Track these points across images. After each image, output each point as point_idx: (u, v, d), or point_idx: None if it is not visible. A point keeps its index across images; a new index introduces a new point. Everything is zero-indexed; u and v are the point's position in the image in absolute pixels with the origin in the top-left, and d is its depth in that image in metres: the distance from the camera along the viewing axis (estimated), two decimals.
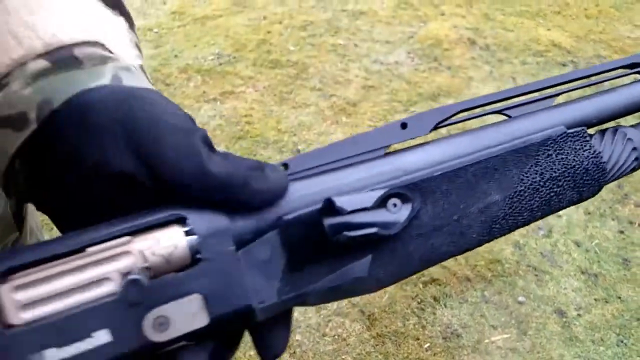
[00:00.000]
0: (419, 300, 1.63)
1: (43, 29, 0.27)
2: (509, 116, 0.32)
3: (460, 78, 2.62)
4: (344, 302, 1.59)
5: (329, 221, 0.24)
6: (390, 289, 1.65)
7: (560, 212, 2.03)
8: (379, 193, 0.25)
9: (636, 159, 0.34)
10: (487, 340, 1.53)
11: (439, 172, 0.28)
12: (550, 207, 0.32)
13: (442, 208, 0.28)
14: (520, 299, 1.65)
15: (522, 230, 1.87)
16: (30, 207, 0.52)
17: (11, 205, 0.29)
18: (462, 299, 1.64)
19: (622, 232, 1.89)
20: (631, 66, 0.35)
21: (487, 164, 0.29)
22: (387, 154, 0.28)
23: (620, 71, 0.35)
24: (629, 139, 0.33)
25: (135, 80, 0.28)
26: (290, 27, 3.01)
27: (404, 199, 0.26)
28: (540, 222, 1.90)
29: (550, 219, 1.93)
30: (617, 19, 3.18)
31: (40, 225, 0.60)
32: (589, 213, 1.94)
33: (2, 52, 0.27)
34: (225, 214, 0.23)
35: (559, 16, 3.16)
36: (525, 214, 0.31)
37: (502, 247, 1.80)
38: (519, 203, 0.30)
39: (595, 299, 1.66)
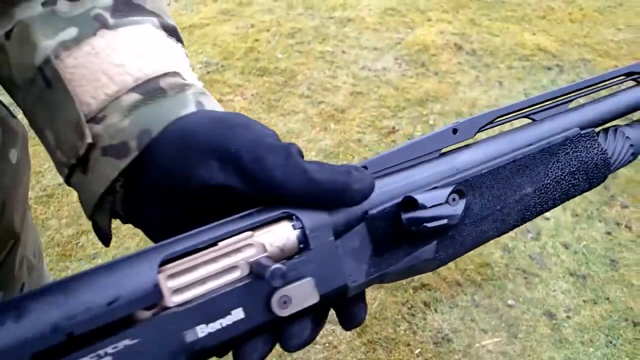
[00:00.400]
0: (409, 305, 1.63)
1: (130, 65, 0.31)
2: (534, 120, 0.38)
3: (447, 83, 2.64)
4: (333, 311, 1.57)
5: (408, 215, 0.29)
6: (381, 295, 1.65)
7: (548, 215, 2.05)
8: (447, 190, 0.30)
9: (632, 153, 0.41)
10: (477, 345, 1.53)
11: (485, 170, 0.33)
12: (567, 196, 0.38)
13: (487, 200, 0.33)
14: (510, 302, 1.65)
15: (511, 234, 1.88)
16: (26, 237, 0.53)
17: (102, 222, 0.32)
18: (452, 303, 1.65)
19: (609, 233, 1.91)
20: (628, 74, 0.42)
21: (520, 162, 0.35)
22: (442, 155, 0.33)
23: (621, 78, 0.42)
24: (627, 137, 0.40)
25: (212, 103, 0.32)
26: (278, 34, 3.02)
27: (460, 194, 0.31)
28: (528, 225, 1.92)
29: (539, 222, 1.94)
30: (601, 22, 3.22)
31: (41, 251, 0.61)
32: (577, 215, 1.96)
33: (96, 88, 0.30)
34: (325, 210, 0.28)
35: (544, 21, 3.20)
36: (549, 202, 0.37)
37: (492, 250, 1.81)
38: (545, 194, 0.36)
39: (584, 301, 1.67)
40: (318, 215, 0.27)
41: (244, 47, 2.89)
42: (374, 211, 0.29)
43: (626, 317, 1.62)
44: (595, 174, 0.39)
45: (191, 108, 0.30)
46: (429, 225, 0.29)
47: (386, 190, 0.30)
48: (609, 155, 0.39)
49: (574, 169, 0.37)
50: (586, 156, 0.38)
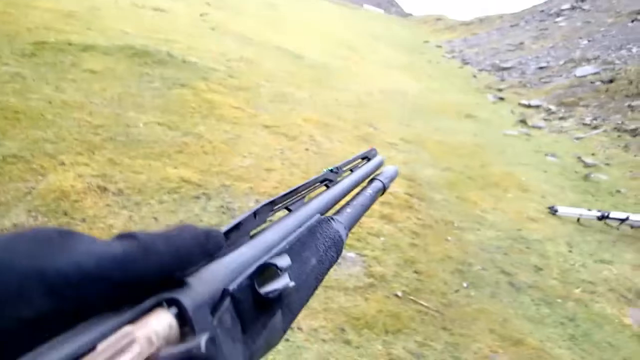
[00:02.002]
0: None
1: None
2: (290, 210, 0.46)
3: (99, 229, 2.40)
4: None
5: (265, 286, 0.31)
6: None
7: None
8: (286, 256, 0.35)
9: (346, 233, 0.51)
10: None
11: (287, 246, 0.38)
12: (332, 265, 0.46)
13: (297, 269, 0.38)
14: None
15: None
16: None
17: None
18: None
19: (287, 339, 2.04)
20: (322, 181, 0.56)
21: (301, 239, 0.41)
22: (252, 237, 0.38)
23: (318, 183, 0.55)
24: (339, 222, 0.51)
25: None
26: None
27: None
28: None
29: None
30: (228, 152, 3.71)
31: None
32: None
33: None
34: (199, 288, 0.26)
35: (181, 155, 3.43)
36: (325, 269, 0.44)
37: None
38: (322, 264, 0.43)
39: None
40: (196, 294, 0.25)
41: None
42: (234, 286, 0.29)
43: None
44: (339, 247, 0.48)
45: None
46: (283, 288, 0.31)
47: (231, 267, 0.31)
48: (340, 233, 0.49)
49: (329, 244, 0.45)
50: (331, 234, 0.46)
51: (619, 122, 7.98)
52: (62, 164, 2.87)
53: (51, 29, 5.28)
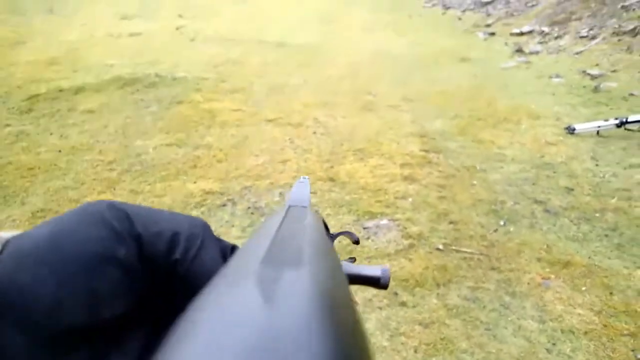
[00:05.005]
0: None
1: None
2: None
3: None
4: None
5: None
6: None
7: None
8: None
9: None
10: None
11: None
12: None
13: None
14: None
15: None
16: None
17: None
18: None
19: None
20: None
21: None
22: None
23: None
24: None
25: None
26: None
27: None
28: None
29: None
30: (240, 154, 3.75)
31: None
32: None
33: None
34: None
35: (197, 169, 3.48)
36: None
37: None
38: None
39: None
40: None
41: None
42: None
43: None
44: None
45: None
46: None
47: None
48: None
49: None
50: None
51: (616, 26, 7.78)
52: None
53: (39, 80, 5.35)
